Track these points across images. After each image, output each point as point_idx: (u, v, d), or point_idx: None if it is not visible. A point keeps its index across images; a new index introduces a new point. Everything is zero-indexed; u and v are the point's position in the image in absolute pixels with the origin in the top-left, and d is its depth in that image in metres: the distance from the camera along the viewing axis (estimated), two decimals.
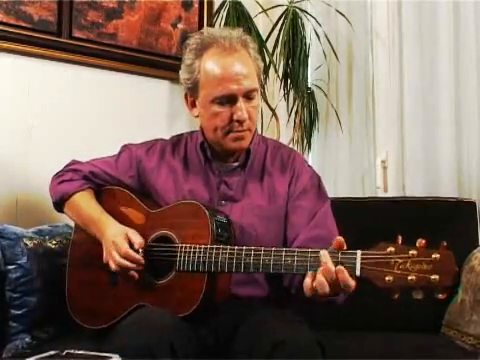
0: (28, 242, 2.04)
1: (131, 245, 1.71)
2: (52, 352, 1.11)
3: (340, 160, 3.14)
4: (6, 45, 2.35)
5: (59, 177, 1.96)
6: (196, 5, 2.93)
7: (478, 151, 2.67)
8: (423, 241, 1.36)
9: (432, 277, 1.32)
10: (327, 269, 1.42)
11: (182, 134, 1.97)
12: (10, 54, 2.37)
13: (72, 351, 1.12)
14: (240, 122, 1.72)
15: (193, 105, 1.82)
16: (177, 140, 1.94)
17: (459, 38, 2.75)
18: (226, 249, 1.59)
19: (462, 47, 2.74)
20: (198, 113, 1.81)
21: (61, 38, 2.50)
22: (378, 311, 2.15)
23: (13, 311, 1.98)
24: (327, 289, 1.42)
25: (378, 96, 3.03)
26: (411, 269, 1.34)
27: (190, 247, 1.64)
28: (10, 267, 1.99)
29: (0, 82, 2.37)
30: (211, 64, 1.73)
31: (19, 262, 2.00)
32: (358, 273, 1.41)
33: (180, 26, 2.87)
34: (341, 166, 3.13)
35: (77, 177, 1.92)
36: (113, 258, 1.71)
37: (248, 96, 1.73)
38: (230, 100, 1.71)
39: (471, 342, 1.96)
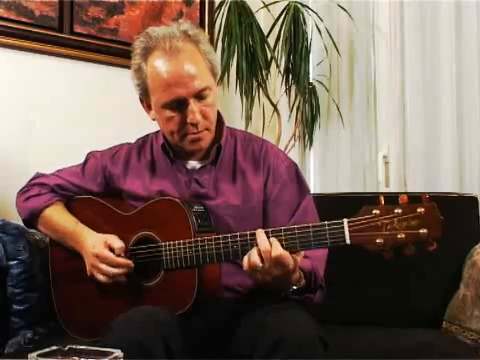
0: (30, 238, 2.04)
1: (112, 251, 1.68)
2: (54, 347, 1.11)
3: (342, 155, 3.14)
4: (7, 40, 2.34)
5: (25, 193, 1.90)
6: (197, 0, 2.93)
7: (479, 146, 2.67)
8: (405, 197, 1.38)
9: (421, 231, 1.34)
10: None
11: (148, 135, 1.92)
12: (11, 49, 2.37)
13: (74, 346, 1.12)
14: (194, 124, 1.67)
15: (149, 108, 1.77)
16: (142, 142, 1.90)
17: (461, 33, 2.75)
18: (211, 240, 1.57)
19: (464, 42, 2.75)
20: (154, 117, 1.76)
21: (62, 33, 2.49)
22: (379, 306, 2.16)
23: (15, 306, 1.98)
24: (258, 262, 1.45)
25: (379, 91, 3.04)
26: (399, 227, 1.36)
27: (174, 244, 1.62)
28: (12, 263, 1.99)
29: (1, 77, 2.36)
30: (155, 69, 1.67)
31: (21, 258, 2.00)
32: (348, 241, 1.41)
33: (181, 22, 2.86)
34: (343, 161, 3.13)
35: (44, 191, 1.87)
36: (99, 270, 1.68)
37: (200, 96, 1.67)
38: (180, 103, 1.66)
39: (473, 337, 1.96)
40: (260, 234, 1.49)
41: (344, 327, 2.00)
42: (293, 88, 3.00)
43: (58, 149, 2.40)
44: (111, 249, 1.69)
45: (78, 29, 2.54)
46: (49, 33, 2.45)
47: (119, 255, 1.68)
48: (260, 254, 1.47)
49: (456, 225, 2.15)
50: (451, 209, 2.24)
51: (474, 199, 2.31)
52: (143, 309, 1.56)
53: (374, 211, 1.38)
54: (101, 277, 1.69)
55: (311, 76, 3.13)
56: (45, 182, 1.89)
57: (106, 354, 1.09)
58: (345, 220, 1.42)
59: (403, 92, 2.92)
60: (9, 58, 2.38)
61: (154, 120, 1.78)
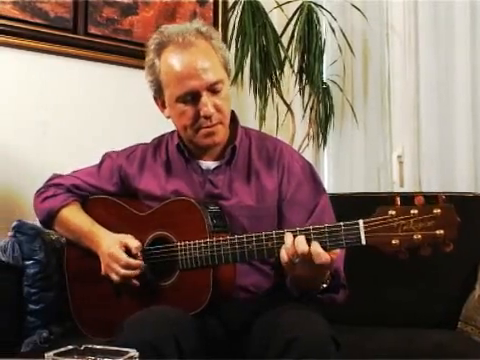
0: (45, 238, 2.05)
1: (129, 250, 1.69)
2: (70, 347, 1.12)
3: (356, 155, 3.13)
4: (22, 42, 2.36)
5: (41, 194, 1.91)
6: (211, 1, 2.93)
7: None
8: (421, 198, 1.36)
9: (437, 232, 1.33)
10: (287, 245, 1.45)
11: (163, 135, 1.92)
12: (26, 51, 2.38)
13: (90, 346, 1.12)
14: (207, 117, 1.68)
15: (163, 106, 1.78)
16: (158, 142, 1.90)
17: (476, 32, 2.74)
18: (226, 240, 1.58)
19: (479, 41, 2.72)
20: (168, 114, 1.78)
21: (77, 34, 2.50)
22: (394, 306, 2.15)
23: (31, 306, 2.00)
24: (286, 260, 1.45)
25: (394, 91, 3.03)
26: (415, 228, 1.35)
27: (190, 244, 1.62)
28: (28, 262, 2.01)
29: (16, 78, 2.38)
30: (169, 63, 1.69)
31: (37, 257, 2.02)
32: (364, 242, 1.41)
33: None
34: (357, 161, 3.12)
35: (60, 191, 1.88)
36: (114, 270, 1.69)
37: (213, 89, 1.68)
38: (194, 97, 1.67)
39: None
40: (288, 235, 1.48)
41: (357, 327, 2.00)
42: (307, 88, 3.00)
43: (72, 149, 2.41)
44: (127, 249, 1.70)
45: (92, 30, 2.55)
46: (64, 34, 2.47)
47: (136, 254, 1.69)
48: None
49: (472, 225, 2.14)
50: (467, 209, 2.23)
51: None
52: (155, 309, 1.56)
53: (390, 212, 1.38)
54: (115, 277, 1.70)
55: (325, 76, 3.13)
56: (61, 183, 1.90)
57: (122, 354, 1.10)
58: (361, 221, 1.42)
59: (417, 91, 2.90)
60: (24, 59, 2.39)
61: (168, 118, 1.79)
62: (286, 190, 1.75)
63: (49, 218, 1.88)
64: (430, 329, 2.03)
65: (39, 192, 1.93)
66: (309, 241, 1.44)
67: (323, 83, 3.07)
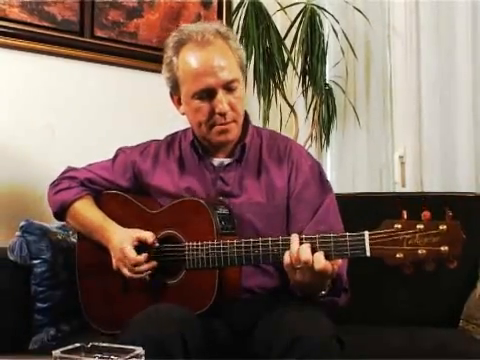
0: (52, 237, 2.06)
1: (143, 243, 1.70)
2: (77, 345, 1.12)
3: (358, 156, 3.13)
4: (30, 45, 2.36)
5: (56, 186, 1.91)
6: (215, 3, 2.92)
7: None
8: (428, 214, 1.35)
9: (442, 248, 1.32)
10: (292, 250, 1.46)
11: (176, 132, 1.93)
12: (34, 53, 2.39)
13: (97, 344, 1.13)
14: (222, 114, 1.69)
15: (179, 103, 1.79)
16: (171, 139, 1.91)
17: (477, 33, 2.73)
18: (233, 243, 1.58)
19: None
20: (184, 110, 1.78)
21: (83, 37, 2.51)
22: (396, 305, 2.15)
23: (38, 304, 2.00)
24: (289, 264, 1.47)
25: (396, 92, 3.02)
26: (420, 243, 1.34)
27: (197, 245, 1.63)
28: (35, 261, 2.02)
29: (24, 80, 2.38)
30: (187, 60, 1.70)
31: (44, 257, 2.02)
32: (368, 254, 1.41)
33: None
34: (359, 161, 3.12)
35: (74, 184, 1.88)
36: (125, 265, 1.70)
37: (228, 88, 1.69)
38: (210, 94, 1.68)
39: None
40: (295, 238, 1.49)
41: (360, 326, 1.99)
42: (310, 89, 3.00)
43: (80, 150, 2.41)
44: (142, 242, 1.70)
45: (98, 33, 2.55)
46: (71, 37, 2.47)
47: (152, 244, 1.69)
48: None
49: (473, 225, 2.14)
50: (468, 209, 2.24)
51: None
52: (161, 307, 1.56)
53: (396, 225, 1.37)
54: (126, 272, 1.70)
55: (327, 77, 3.12)
56: (75, 176, 1.90)
57: (128, 351, 1.10)
58: (366, 233, 1.42)
59: (419, 92, 2.90)
60: (32, 61, 2.40)
61: (183, 115, 1.80)
62: (293, 187, 1.75)
63: (62, 210, 1.88)
64: (432, 327, 2.03)
65: (53, 184, 1.93)
66: (314, 250, 1.45)
67: (326, 84, 3.07)
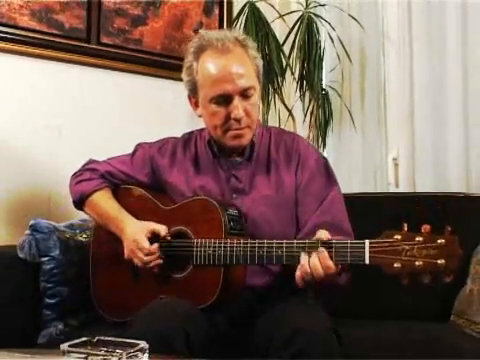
0: (60, 235, 2.06)
1: (157, 235, 1.71)
2: (84, 339, 1.12)
3: (353, 157, 3.13)
4: (39, 51, 2.37)
5: (77, 177, 1.93)
6: (216, 11, 2.93)
7: None
8: (428, 227, 1.35)
9: (439, 261, 1.32)
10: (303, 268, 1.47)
11: (192, 132, 1.94)
12: (43, 60, 2.39)
13: (102, 338, 1.12)
14: (237, 120, 1.69)
15: (196, 105, 1.80)
16: (188, 138, 1.92)
17: (467, 40, 2.73)
18: (240, 243, 1.59)
19: (469, 48, 2.72)
20: (200, 113, 1.79)
21: (90, 44, 2.51)
22: (389, 300, 2.14)
23: (47, 300, 2.00)
24: (301, 283, 1.48)
25: (389, 96, 3.02)
26: (418, 255, 1.34)
27: (205, 242, 1.63)
28: (44, 259, 2.02)
29: (34, 85, 2.39)
30: (206, 65, 1.70)
31: (52, 254, 2.02)
32: (367, 261, 1.41)
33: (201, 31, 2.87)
34: (354, 163, 3.12)
35: (95, 176, 1.90)
36: (137, 256, 1.70)
37: (245, 94, 1.69)
38: (226, 99, 1.69)
39: (479, 330, 1.94)
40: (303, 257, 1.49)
41: (356, 321, 1.99)
42: (307, 94, 3.00)
43: (86, 152, 2.39)
44: (155, 234, 1.71)
45: (105, 40, 2.56)
46: (78, 44, 2.47)
47: (164, 237, 1.70)
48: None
49: (463, 224, 2.14)
50: (458, 208, 2.24)
51: None
52: (165, 302, 1.57)
53: (396, 236, 1.37)
54: (138, 262, 1.71)
55: (324, 82, 3.12)
56: (97, 168, 1.92)
57: (132, 345, 1.10)
58: (367, 241, 1.42)
59: (412, 97, 2.89)
60: (41, 68, 2.40)
61: (200, 117, 1.80)
62: (300, 179, 1.76)
63: (81, 200, 1.90)
64: (424, 322, 2.03)
65: (75, 175, 1.94)
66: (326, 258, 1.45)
67: (322, 89, 3.07)
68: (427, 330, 1.94)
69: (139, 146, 1.95)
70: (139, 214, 1.80)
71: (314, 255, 1.47)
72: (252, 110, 1.72)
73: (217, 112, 1.71)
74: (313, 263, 1.46)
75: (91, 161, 1.97)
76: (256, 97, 1.73)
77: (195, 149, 1.87)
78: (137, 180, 1.90)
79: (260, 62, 1.79)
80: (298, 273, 1.49)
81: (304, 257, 1.48)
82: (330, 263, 1.46)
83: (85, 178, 1.91)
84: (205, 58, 1.71)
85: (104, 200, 1.87)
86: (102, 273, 1.87)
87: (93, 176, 1.90)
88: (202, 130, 1.90)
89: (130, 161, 1.92)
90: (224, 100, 1.69)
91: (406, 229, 1.37)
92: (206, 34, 1.76)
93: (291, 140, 1.83)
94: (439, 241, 1.33)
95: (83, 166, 1.96)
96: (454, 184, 2.69)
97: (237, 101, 1.68)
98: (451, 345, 1.81)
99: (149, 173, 1.89)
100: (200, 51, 1.73)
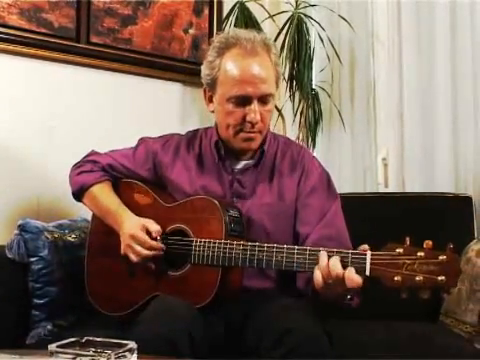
0: (49, 235, 2.05)
1: (149, 234, 1.69)
2: (72, 339, 1.12)
3: (343, 158, 3.13)
4: (28, 50, 2.35)
5: (78, 167, 1.93)
6: (206, 11, 2.92)
7: (473, 149, 2.66)
8: (430, 243, 1.35)
9: (439, 278, 1.31)
10: (322, 265, 1.43)
11: (197, 130, 1.93)
12: (32, 59, 2.38)
13: (91, 338, 1.12)
14: (252, 124, 1.69)
15: (210, 100, 1.78)
16: (192, 136, 1.90)
17: (456, 40, 2.74)
18: (239, 245, 1.58)
19: (459, 49, 2.73)
20: (214, 109, 1.78)
21: (79, 43, 2.50)
22: (380, 300, 2.13)
23: (35, 300, 1.99)
24: (320, 282, 1.43)
25: (379, 97, 3.02)
26: (419, 270, 1.33)
27: (205, 242, 1.63)
28: (32, 259, 2.01)
29: (23, 85, 2.37)
30: (231, 64, 1.69)
31: (41, 254, 2.01)
32: (368, 273, 1.40)
33: (191, 31, 2.87)
34: (344, 163, 3.12)
35: (96, 168, 1.89)
36: (133, 250, 1.69)
37: (263, 100, 1.69)
38: (245, 101, 1.68)
39: (467, 330, 1.95)
40: (323, 254, 1.46)
41: (346, 321, 1.99)
42: (297, 94, 3.00)
43: (76, 152, 2.39)
44: (148, 232, 1.69)
45: (94, 39, 2.54)
46: (67, 43, 2.46)
47: (155, 238, 1.69)
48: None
49: (452, 223, 2.15)
50: (447, 208, 2.26)
51: (468, 199, 2.30)
52: (168, 303, 1.55)
53: (398, 250, 1.37)
54: (133, 257, 1.70)
55: (314, 82, 3.12)
56: (98, 160, 1.91)
57: (121, 346, 1.09)
58: (368, 253, 1.41)
59: (401, 97, 2.90)
60: (30, 67, 2.39)
61: (212, 112, 1.79)
62: (302, 189, 1.76)
63: (81, 191, 1.89)
64: (413, 321, 2.04)
65: (76, 165, 1.94)
66: (345, 266, 1.43)
67: (312, 89, 3.07)
68: (417, 329, 1.95)
69: (142, 141, 1.93)
70: (139, 209, 1.79)
71: (334, 257, 1.44)
72: (267, 116, 1.73)
73: (233, 112, 1.70)
74: (333, 263, 1.43)
75: (93, 152, 1.96)
76: (272, 105, 1.74)
77: (199, 148, 1.86)
78: (138, 175, 1.88)
79: (280, 69, 1.80)
80: (317, 272, 1.45)
81: (323, 258, 1.45)
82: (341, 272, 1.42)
83: (86, 169, 1.90)
84: (230, 56, 1.70)
85: (103, 193, 1.86)
86: (97, 264, 1.86)
87: (94, 168, 1.89)
88: (207, 129, 1.89)
89: (132, 155, 1.91)
90: (242, 102, 1.68)
91: (408, 243, 1.36)
92: (233, 32, 1.74)
93: (297, 151, 1.84)
94: (441, 257, 1.32)
95: (84, 157, 1.95)
96: (442, 184, 2.70)
97: (255, 105, 1.68)
98: (439, 344, 1.82)
99: (150, 168, 1.88)
100: (226, 48, 1.71)
